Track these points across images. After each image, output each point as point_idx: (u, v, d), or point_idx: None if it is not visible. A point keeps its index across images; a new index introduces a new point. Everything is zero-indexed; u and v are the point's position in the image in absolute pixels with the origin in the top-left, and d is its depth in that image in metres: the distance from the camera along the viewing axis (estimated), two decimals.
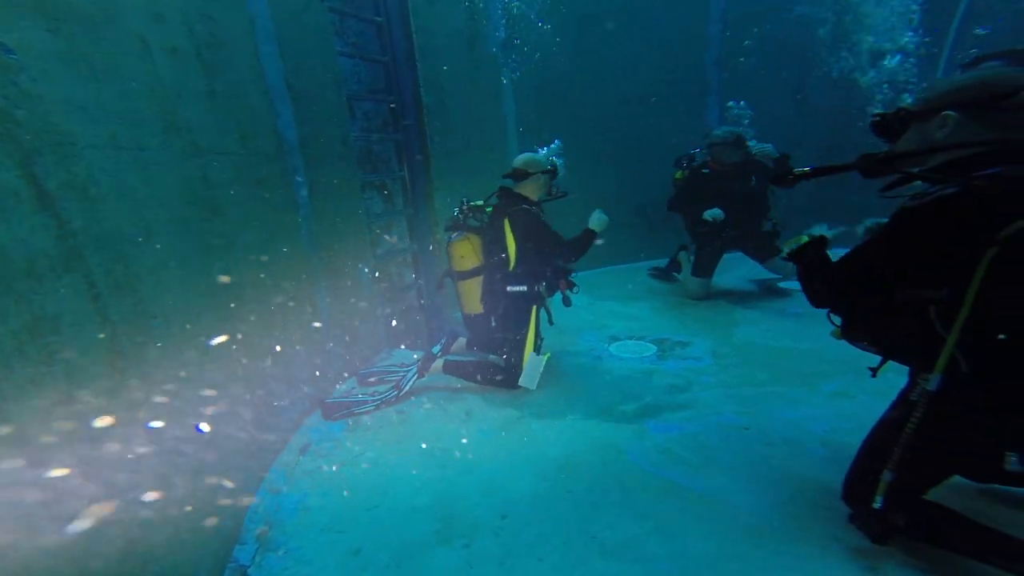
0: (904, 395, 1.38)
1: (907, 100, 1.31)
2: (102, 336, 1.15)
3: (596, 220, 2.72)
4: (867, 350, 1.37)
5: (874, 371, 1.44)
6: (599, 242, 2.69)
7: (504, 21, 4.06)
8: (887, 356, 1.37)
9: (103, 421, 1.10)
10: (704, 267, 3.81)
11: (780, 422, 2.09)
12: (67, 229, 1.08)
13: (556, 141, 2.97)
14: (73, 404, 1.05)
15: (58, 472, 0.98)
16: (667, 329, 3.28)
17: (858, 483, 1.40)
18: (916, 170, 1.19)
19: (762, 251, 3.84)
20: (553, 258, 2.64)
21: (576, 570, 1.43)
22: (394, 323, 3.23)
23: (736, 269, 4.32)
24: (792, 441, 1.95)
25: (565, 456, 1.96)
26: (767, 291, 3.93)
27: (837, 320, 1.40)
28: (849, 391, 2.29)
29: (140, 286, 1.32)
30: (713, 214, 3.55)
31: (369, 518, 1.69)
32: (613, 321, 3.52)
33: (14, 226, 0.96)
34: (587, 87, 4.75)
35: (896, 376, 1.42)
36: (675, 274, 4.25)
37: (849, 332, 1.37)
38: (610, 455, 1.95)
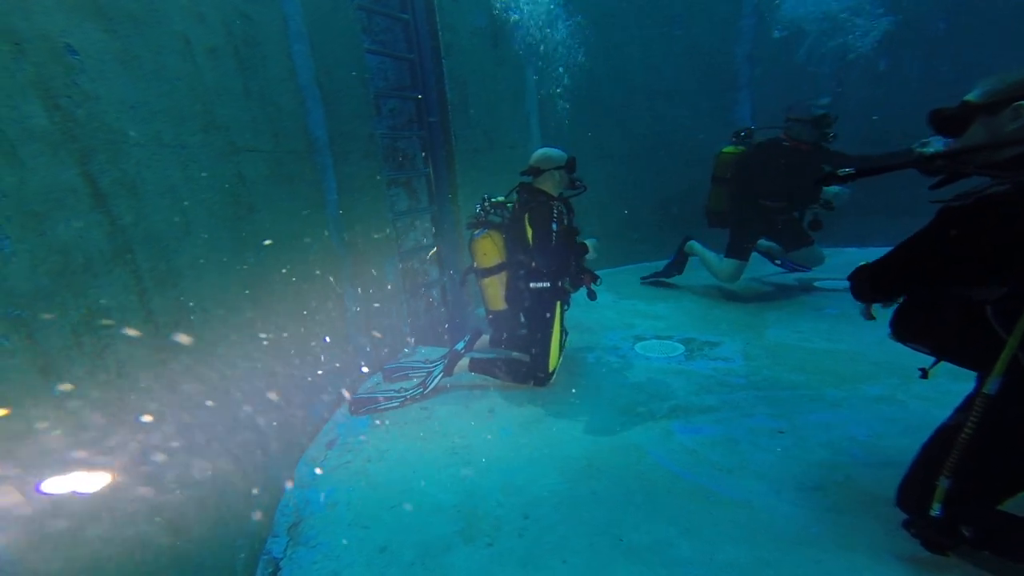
0: (970, 399, 1.31)
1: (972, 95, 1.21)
2: (146, 329, 1.19)
3: (590, 242, 2.66)
4: (919, 351, 1.31)
5: (924, 372, 1.37)
6: (592, 255, 2.64)
7: (528, 18, 4.03)
8: (940, 357, 1.31)
9: (146, 412, 1.14)
10: (740, 249, 3.57)
11: (818, 426, 2.01)
12: (118, 225, 1.13)
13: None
14: (119, 393, 1.09)
15: (109, 461, 1.02)
16: (694, 329, 3.21)
17: (915, 489, 1.33)
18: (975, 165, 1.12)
19: (793, 240, 3.63)
20: (572, 253, 2.57)
21: (601, 573, 1.40)
22: (429, 296, 3.22)
23: (761, 271, 4.19)
24: (832, 446, 1.87)
25: (588, 456, 1.94)
26: (801, 291, 3.79)
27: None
28: (895, 395, 2.19)
29: (180, 281, 1.36)
30: (837, 193, 3.18)
31: (393, 515, 1.70)
32: (638, 320, 3.46)
33: (73, 223, 1.00)
34: (612, 81, 4.67)
35: (949, 380, 1.35)
36: (676, 275, 4.03)
37: (899, 332, 1.31)
38: (633, 456, 1.92)
